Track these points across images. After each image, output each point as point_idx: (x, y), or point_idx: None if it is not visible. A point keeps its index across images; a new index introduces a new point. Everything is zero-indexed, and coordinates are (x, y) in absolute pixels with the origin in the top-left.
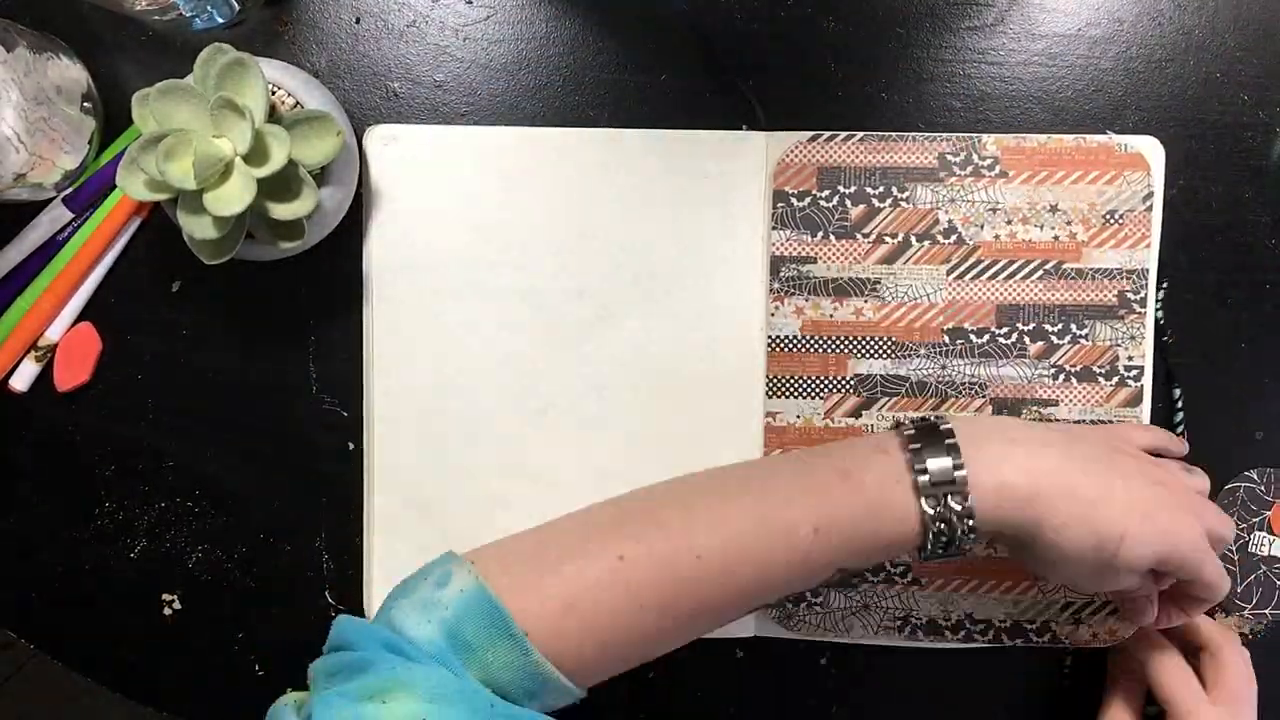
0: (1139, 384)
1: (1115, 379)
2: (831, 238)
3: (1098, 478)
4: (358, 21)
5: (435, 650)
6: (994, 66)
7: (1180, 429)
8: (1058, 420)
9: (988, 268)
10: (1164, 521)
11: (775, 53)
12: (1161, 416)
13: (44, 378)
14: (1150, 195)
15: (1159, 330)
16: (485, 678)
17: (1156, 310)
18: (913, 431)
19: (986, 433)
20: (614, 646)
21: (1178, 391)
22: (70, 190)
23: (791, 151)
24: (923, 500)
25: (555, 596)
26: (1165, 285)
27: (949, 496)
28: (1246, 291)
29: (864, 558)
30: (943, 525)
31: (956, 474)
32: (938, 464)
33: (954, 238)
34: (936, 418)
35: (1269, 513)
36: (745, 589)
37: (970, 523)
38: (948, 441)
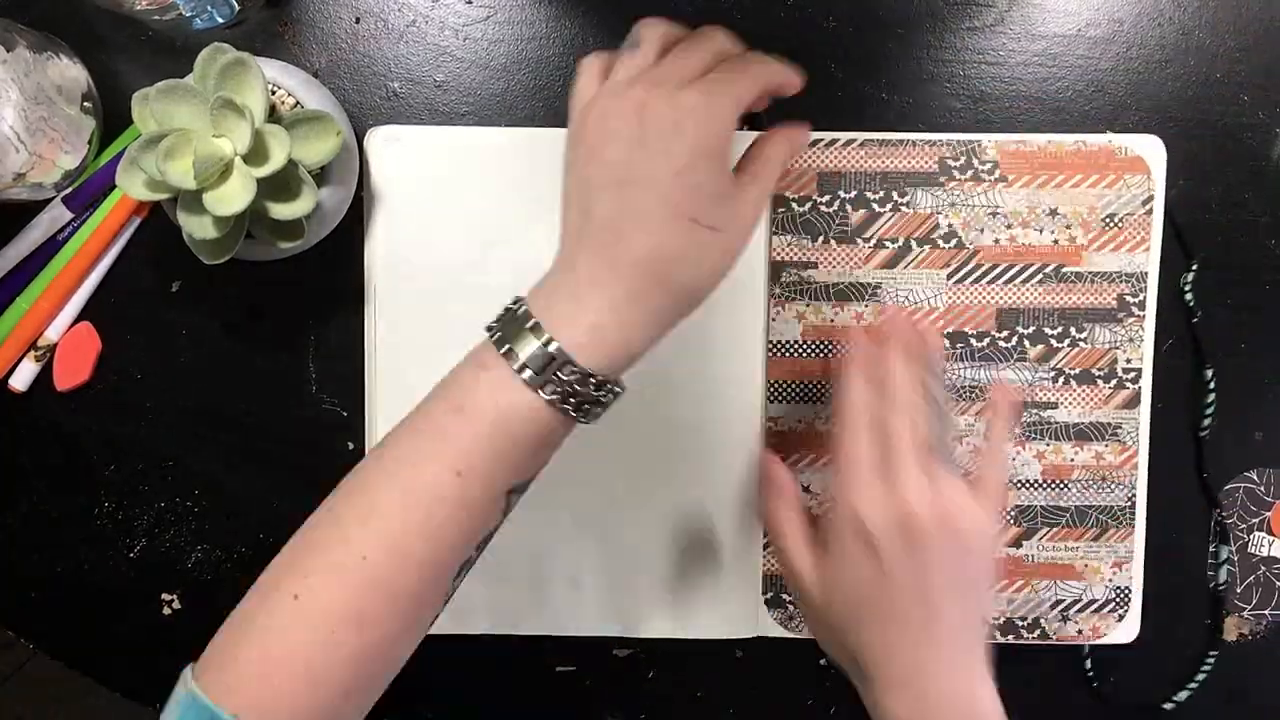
0: (1137, 386)
1: (1114, 381)
2: (832, 242)
3: (645, 248)
4: (358, 21)
5: None
6: (994, 67)
7: (1211, 410)
8: (1055, 423)
9: (988, 272)
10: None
11: (775, 53)
12: (1192, 399)
13: (43, 377)
14: (1150, 199)
15: (1189, 312)
16: None
17: (1185, 291)
18: (497, 330)
19: (555, 293)
20: (331, 682)
21: (1210, 373)
22: (70, 190)
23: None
24: (540, 392)
25: (252, 661)
26: (1195, 267)
27: (558, 373)
28: (1246, 291)
29: (525, 468)
30: (571, 398)
31: (551, 349)
32: (528, 350)
33: (954, 242)
34: (514, 302)
35: (1269, 513)
36: (427, 562)
37: (595, 379)
38: (528, 325)
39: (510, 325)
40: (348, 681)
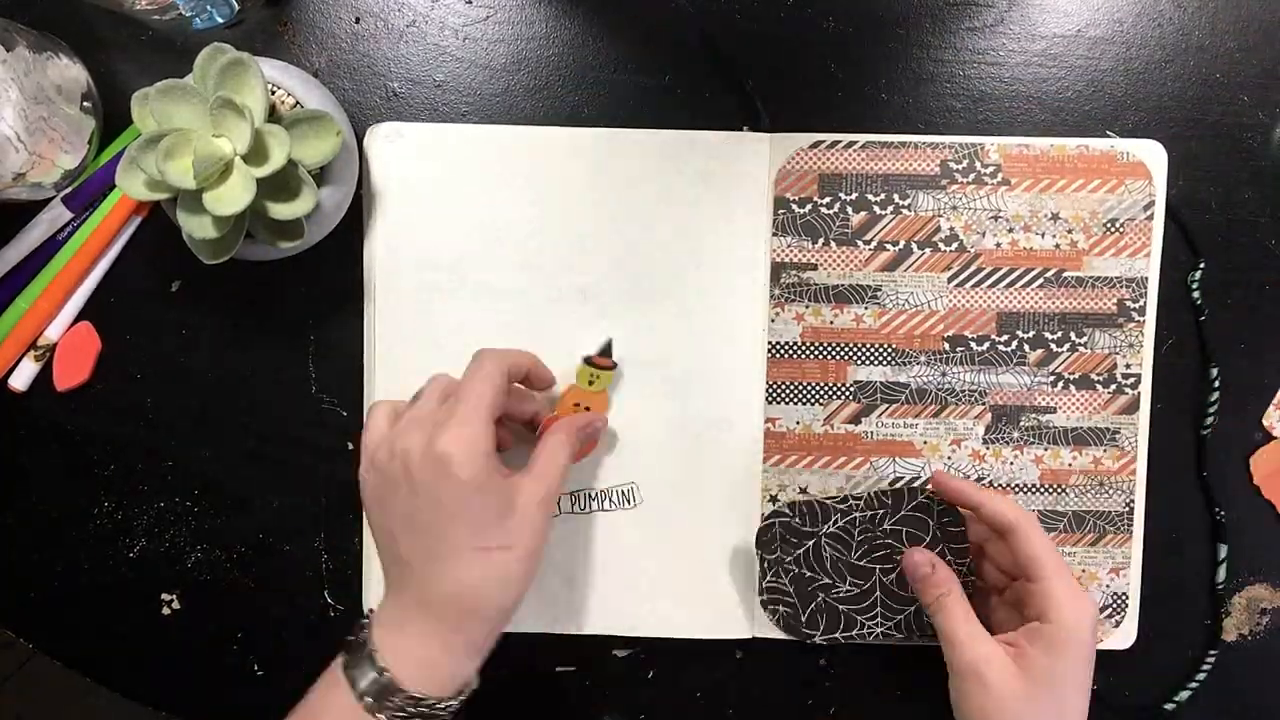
0: (1136, 391)
1: (1113, 386)
2: (832, 244)
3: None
4: (358, 21)
5: None
6: (994, 67)
7: (1214, 409)
8: (1054, 428)
9: (989, 275)
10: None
11: (775, 53)
12: (1197, 395)
13: (43, 377)
14: (1151, 204)
15: (1196, 310)
16: None
17: (1193, 288)
18: (344, 652)
19: (389, 625)
20: None
21: (1215, 371)
22: (70, 190)
23: (793, 158)
24: (376, 716)
25: None
26: (1202, 265)
27: (392, 698)
28: (1246, 291)
29: None
30: (406, 714)
31: (384, 680)
32: (367, 679)
33: (955, 245)
34: (364, 621)
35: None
36: None
37: (429, 703)
38: (367, 653)
39: (355, 650)
40: None
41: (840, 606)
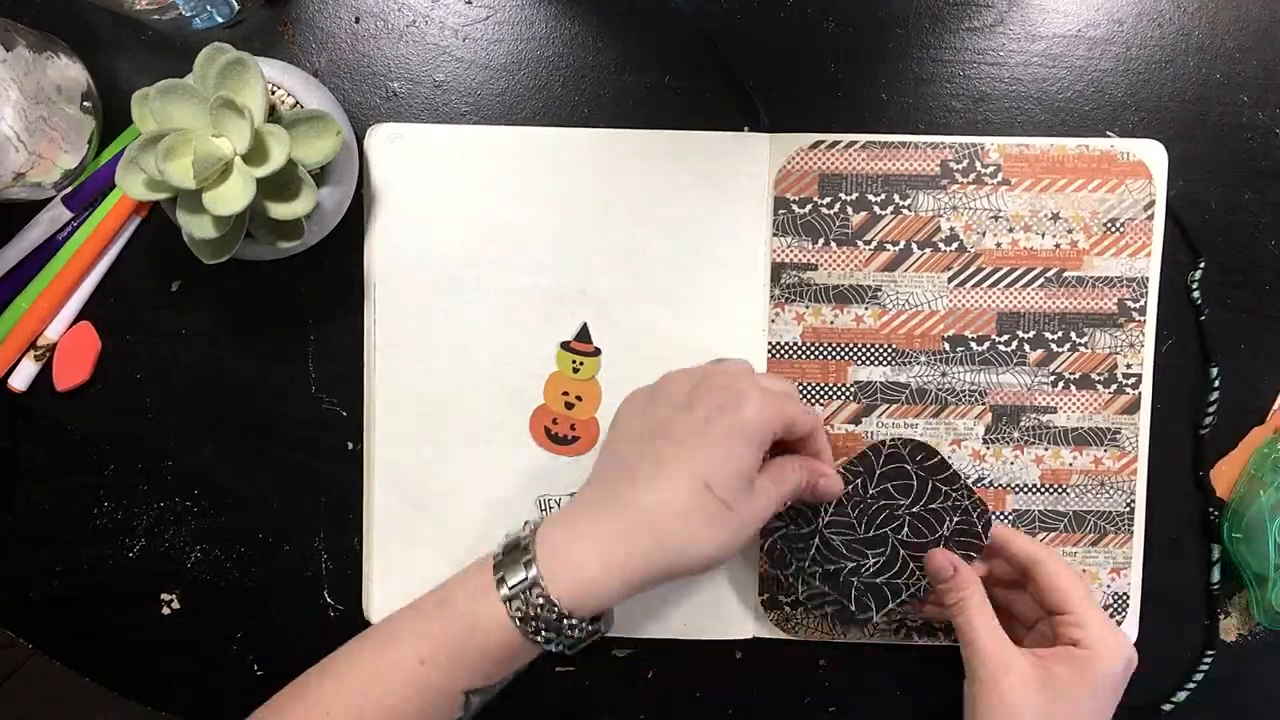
0: (1137, 391)
1: (1113, 386)
2: (833, 244)
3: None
4: (358, 21)
5: None
6: (994, 67)
7: (1213, 409)
8: (1054, 428)
9: (989, 275)
10: (720, 434)
11: (775, 54)
12: (1197, 395)
13: (43, 377)
14: (1152, 204)
15: (1196, 310)
16: None
17: (1193, 288)
18: (499, 553)
19: (557, 521)
20: None
21: (1214, 371)
22: (70, 189)
23: (793, 158)
24: (510, 605)
25: None
26: (1202, 265)
27: (532, 596)
28: (1246, 292)
29: (484, 674)
30: (536, 622)
31: (530, 575)
32: (516, 574)
33: (955, 245)
34: (527, 533)
35: None
36: None
37: (559, 610)
38: (524, 558)
39: (512, 545)
40: None
41: (878, 580)
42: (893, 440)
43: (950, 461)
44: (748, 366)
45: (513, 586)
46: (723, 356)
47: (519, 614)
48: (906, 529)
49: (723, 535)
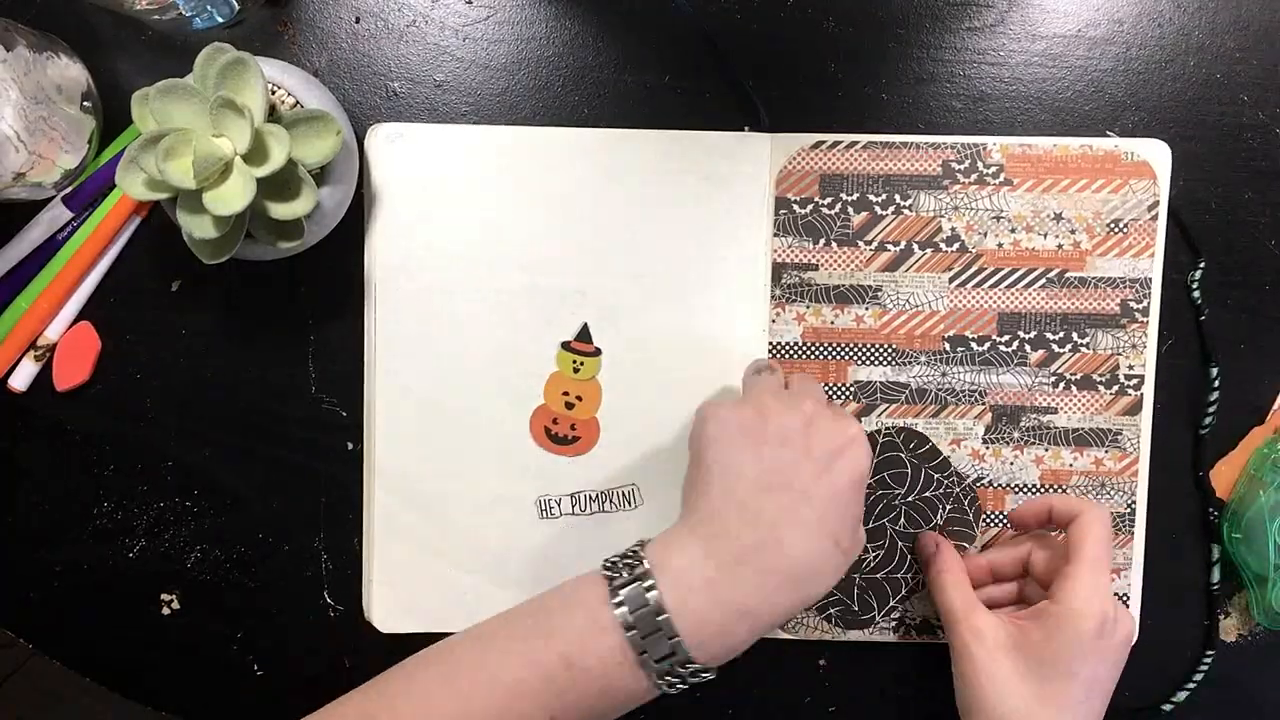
0: (1139, 393)
1: (1115, 387)
2: (833, 245)
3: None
4: (358, 21)
5: None
6: (994, 67)
7: (1213, 409)
8: (1055, 428)
9: (990, 276)
10: (837, 487)
11: (775, 54)
12: (1195, 395)
13: (43, 377)
14: (1155, 204)
15: (1196, 310)
16: None
17: (1193, 288)
18: (630, 621)
19: (696, 590)
20: None
21: (1215, 371)
22: (70, 189)
23: (794, 158)
24: (657, 678)
25: None
26: (1202, 265)
27: (678, 668)
28: (1246, 292)
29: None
30: (672, 678)
31: (677, 653)
32: (659, 648)
33: (956, 245)
34: (654, 603)
35: None
36: None
37: (696, 668)
38: (669, 637)
39: (645, 615)
40: None
41: (878, 576)
42: (886, 429)
43: (940, 449)
44: (818, 389)
45: (659, 660)
46: (760, 359)
47: (665, 683)
48: (903, 519)
49: (837, 576)
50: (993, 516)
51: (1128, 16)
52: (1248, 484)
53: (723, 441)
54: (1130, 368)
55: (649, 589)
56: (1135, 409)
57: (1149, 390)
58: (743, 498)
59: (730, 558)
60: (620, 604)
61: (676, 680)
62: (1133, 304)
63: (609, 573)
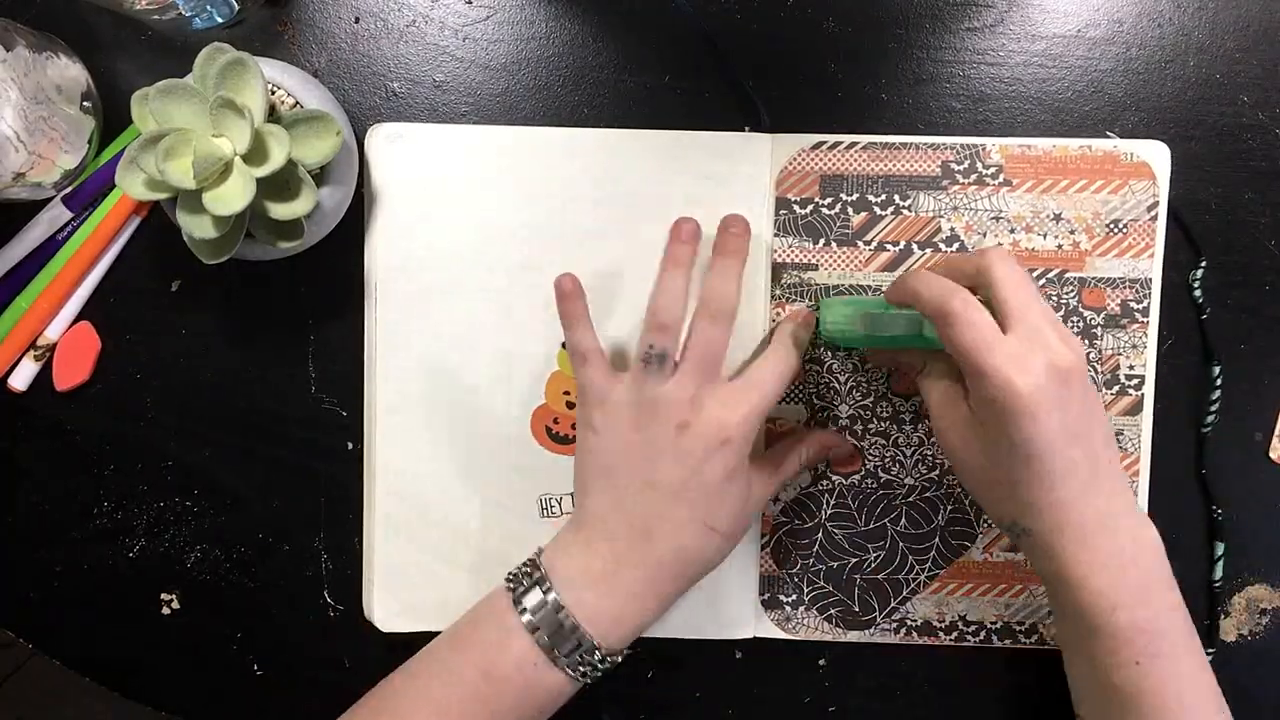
0: (1139, 393)
1: (1116, 388)
2: (833, 245)
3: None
4: (357, 21)
5: None
6: (994, 68)
7: (1214, 408)
8: None
9: None
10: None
11: (775, 54)
12: (1196, 394)
13: (43, 377)
14: (1155, 204)
15: (1198, 309)
16: None
17: (1194, 287)
18: (535, 624)
19: (585, 582)
20: None
21: (1217, 369)
22: (69, 189)
23: (794, 158)
24: (569, 670)
25: None
26: (1203, 264)
27: (586, 656)
28: (1246, 292)
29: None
30: (592, 676)
31: (584, 642)
32: (566, 643)
33: (956, 246)
34: (554, 602)
35: None
36: None
37: (602, 655)
38: (575, 635)
39: (546, 613)
40: None
41: (878, 577)
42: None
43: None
44: (696, 355)
45: (568, 655)
46: (651, 345)
47: (579, 674)
48: (904, 519)
49: (727, 551)
50: None
51: (1128, 16)
52: None
53: (593, 450)
54: (1131, 368)
55: (547, 590)
56: (1136, 409)
57: (1149, 390)
58: (619, 498)
59: (612, 556)
60: (524, 610)
61: (590, 670)
62: (1133, 304)
63: (511, 584)
